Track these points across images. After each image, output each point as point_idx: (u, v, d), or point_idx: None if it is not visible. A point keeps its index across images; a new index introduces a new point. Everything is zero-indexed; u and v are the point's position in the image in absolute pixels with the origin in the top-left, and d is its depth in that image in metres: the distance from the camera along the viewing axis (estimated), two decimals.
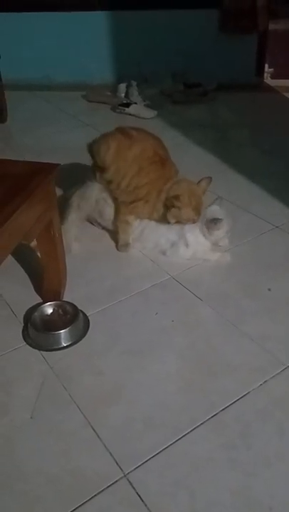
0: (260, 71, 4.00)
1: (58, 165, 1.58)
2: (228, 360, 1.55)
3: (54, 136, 3.20)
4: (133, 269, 1.97)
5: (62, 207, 2.01)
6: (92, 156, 2.04)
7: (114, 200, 2.04)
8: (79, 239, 2.07)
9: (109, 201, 2.07)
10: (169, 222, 1.94)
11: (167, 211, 1.90)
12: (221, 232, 1.93)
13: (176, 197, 1.86)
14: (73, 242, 2.03)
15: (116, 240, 2.09)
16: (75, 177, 2.17)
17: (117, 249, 2.07)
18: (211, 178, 1.95)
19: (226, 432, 1.33)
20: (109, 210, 2.08)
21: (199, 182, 1.95)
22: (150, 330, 1.68)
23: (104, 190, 2.07)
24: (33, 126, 3.37)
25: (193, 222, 1.92)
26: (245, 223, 2.21)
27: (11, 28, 3.93)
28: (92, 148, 2.04)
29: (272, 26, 3.83)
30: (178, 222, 1.92)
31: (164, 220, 1.95)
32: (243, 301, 1.79)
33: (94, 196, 2.09)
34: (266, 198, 2.42)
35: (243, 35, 3.78)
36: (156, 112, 3.50)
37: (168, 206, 1.90)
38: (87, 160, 2.10)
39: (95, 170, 2.06)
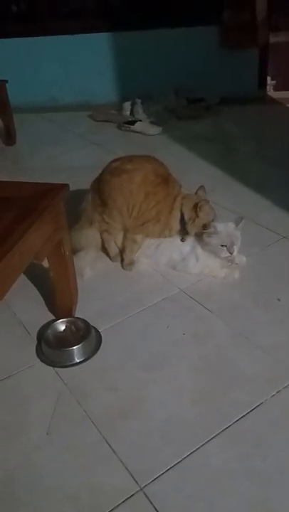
0: (262, 84, 4.05)
1: (66, 185, 1.62)
2: (241, 371, 1.56)
3: (62, 156, 3.25)
4: (143, 284, 1.99)
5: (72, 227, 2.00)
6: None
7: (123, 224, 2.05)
8: (92, 265, 2.08)
9: (114, 236, 2.09)
10: (182, 239, 2.00)
11: (191, 222, 1.95)
12: (214, 240, 1.91)
13: (200, 206, 1.93)
14: (86, 268, 2.04)
15: (122, 258, 2.11)
16: (84, 195, 2.20)
17: (122, 268, 2.09)
18: (203, 186, 2.03)
19: (241, 443, 1.34)
20: (113, 245, 2.11)
21: (197, 192, 2.02)
22: (162, 343, 1.69)
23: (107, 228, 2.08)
24: (42, 148, 3.44)
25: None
26: (253, 234, 2.22)
27: (18, 53, 4.03)
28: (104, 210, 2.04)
29: (273, 39, 3.87)
30: (197, 233, 1.98)
31: (179, 234, 2.00)
32: (253, 311, 1.80)
33: (98, 235, 2.11)
34: (273, 209, 2.44)
35: (244, 49, 3.84)
36: (161, 128, 3.55)
37: (191, 218, 1.94)
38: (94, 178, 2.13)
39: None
